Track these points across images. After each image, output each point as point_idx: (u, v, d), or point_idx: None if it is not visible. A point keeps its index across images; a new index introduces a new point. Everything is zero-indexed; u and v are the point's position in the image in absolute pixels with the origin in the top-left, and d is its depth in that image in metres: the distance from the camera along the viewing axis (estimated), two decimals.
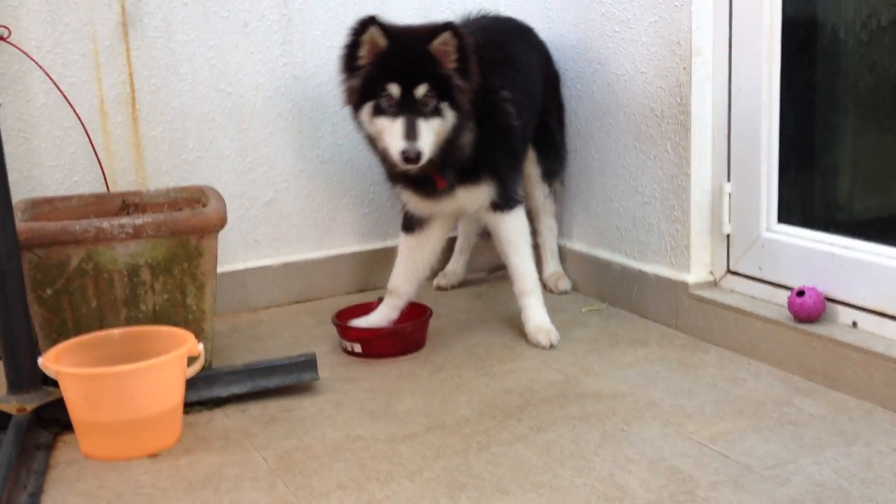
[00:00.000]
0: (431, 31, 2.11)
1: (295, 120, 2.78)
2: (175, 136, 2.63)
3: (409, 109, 2.09)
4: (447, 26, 2.11)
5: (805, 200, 2.34)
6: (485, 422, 1.92)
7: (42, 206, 2.32)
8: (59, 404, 1.89)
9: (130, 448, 1.83)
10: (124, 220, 2.06)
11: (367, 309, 2.45)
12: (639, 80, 2.47)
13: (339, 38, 2.74)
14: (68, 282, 2.05)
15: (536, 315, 2.38)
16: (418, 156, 2.07)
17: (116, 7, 2.51)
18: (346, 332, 2.36)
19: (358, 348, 2.32)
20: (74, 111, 2.49)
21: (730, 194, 2.33)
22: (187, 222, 2.11)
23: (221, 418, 2.00)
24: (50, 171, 2.51)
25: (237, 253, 2.75)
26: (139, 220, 2.07)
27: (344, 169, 2.87)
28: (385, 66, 2.12)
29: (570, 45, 2.71)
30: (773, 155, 2.25)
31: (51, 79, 2.45)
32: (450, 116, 2.15)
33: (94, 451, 1.84)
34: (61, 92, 2.47)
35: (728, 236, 2.36)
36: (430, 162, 2.16)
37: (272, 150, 2.76)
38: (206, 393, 2.05)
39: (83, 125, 2.51)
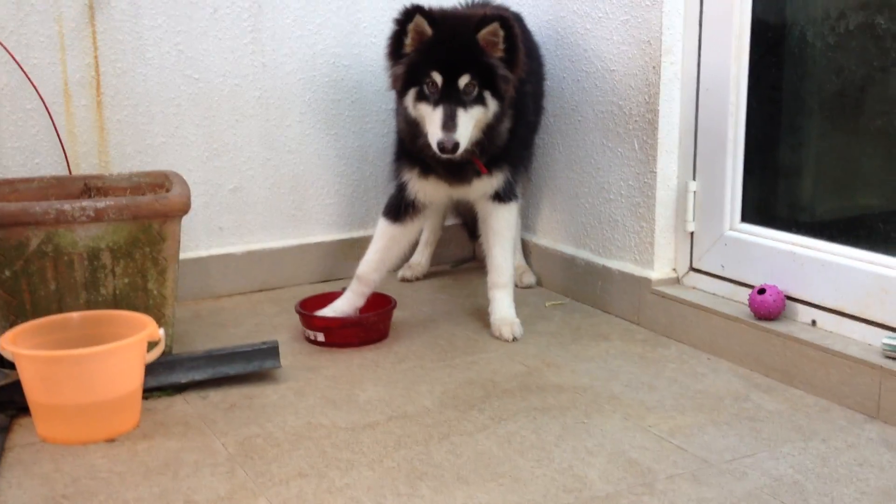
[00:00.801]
0: (479, 20, 2.13)
1: (262, 108, 2.77)
2: (140, 121, 2.61)
3: (450, 99, 2.11)
4: (496, 17, 2.12)
5: (768, 200, 2.36)
6: (446, 412, 1.92)
7: (2, 188, 2.28)
8: (16, 387, 1.87)
9: (88, 432, 1.81)
10: (85, 203, 2.03)
11: (330, 298, 2.44)
12: (608, 78, 2.48)
13: (309, 28, 2.78)
14: (27, 263, 2.02)
15: (504, 308, 2.38)
16: (455, 146, 2.09)
17: None
18: (309, 322, 2.34)
19: (321, 337, 2.31)
20: (38, 93, 2.46)
21: (695, 193, 2.35)
22: (150, 206, 2.09)
23: (181, 404, 1.99)
24: (11, 153, 2.47)
25: (200, 239, 2.73)
26: (101, 203, 2.04)
27: (311, 159, 2.86)
28: (429, 55, 2.14)
29: (540, 42, 2.71)
30: (738, 155, 2.27)
31: (14, 59, 2.42)
32: (492, 105, 2.17)
33: (51, 435, 1.81)
34: (25, 73, 2.44)
35: (692, 234, 2.38)
36: (473, 148, 2.19)
37: (238, 138, 2.75)
38: (165, 378, 2.03)
39: (46, 107, 2.47)
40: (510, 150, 2.34)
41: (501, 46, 2.14)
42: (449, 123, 2.09)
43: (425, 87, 2.14)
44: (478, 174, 2.31)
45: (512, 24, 2.14)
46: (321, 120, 2.86)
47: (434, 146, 2.11)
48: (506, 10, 2.46)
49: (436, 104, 2.12)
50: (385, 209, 2.45)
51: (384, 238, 2.42)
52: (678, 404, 1.94)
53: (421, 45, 2.16)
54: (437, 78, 2.12)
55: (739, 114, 2.25)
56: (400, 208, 2.39)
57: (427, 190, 2.36)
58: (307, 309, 2.38)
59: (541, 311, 2.59)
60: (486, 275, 2.44)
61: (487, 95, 2.15)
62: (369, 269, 2.41)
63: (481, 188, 2.35)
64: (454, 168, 2.28)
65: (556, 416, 1.90)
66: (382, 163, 2.93)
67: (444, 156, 2.12)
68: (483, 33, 2.12)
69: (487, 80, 2.14)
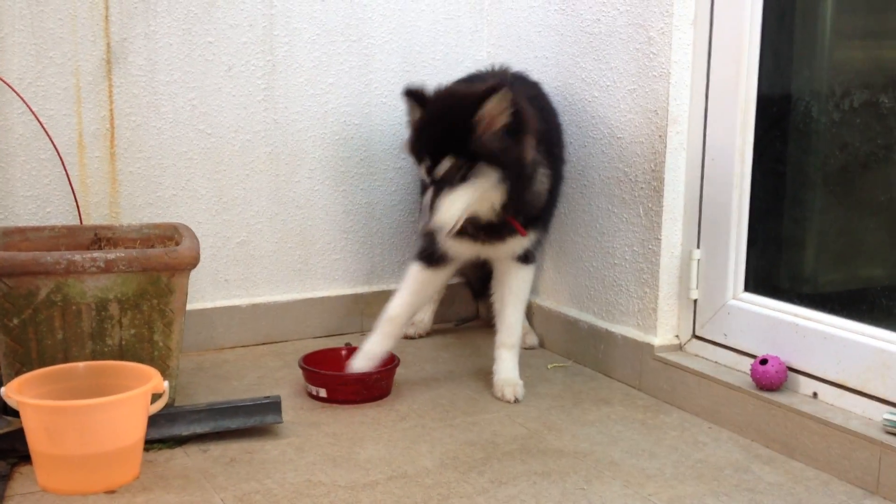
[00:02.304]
0: (474, 99, 2.09)
1: (273, 164, 2.80)
2: (152, 173, 2.64)
3: (437, 181, 2.11)
4: (497, 87, 2.08)
5: (771, 271, 2.38)
6: (446, 473, 1.92)
7: (13, 236, 2.31)
8: (18, 435, 1.87)
9: (89, 483, 1.81)
10: (96, 254, 2.05)
11: (334, 353, 2.45)
12: (615, 145, 2.52)
13: (321, 87, 2.82)
14: (35, 312, 2.03)
15: (508, 369, 2.39)
16: (439, 229, 2.13)
17: (101, 44, 2.53)
18: (311, 377, 2.35)
19: (323, 393, 2.32)
20: (53, 143, 2.49)
21: (699, 261, 2.37)
22: (160, 259, 2.11)
23: (181, 457, 1.99)
24: (23, 202, 2.50)
25: (206, 291, 2.75)
26: (111, 254, 2.07)
27: (318, 214, 2.89)
28: (419, 136, 2.18)
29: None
30: (742, 225, 2.29)
31: (31, 110, 2.46)
32: (490, 177, 2.12)
33: (52, 485, 1.81)
34: (41, 124, 2.47)
35: (695, 301, 2.39)
36: (506, 210, 2.20)
37: (248, 192, 2.78)
38: (167, 431, 2.04)
39: (60, 157, 2.51)
40: (546, 212, 2.39)
41: (507, 115, 2.10)
42: (431, 207, 2.10)
43: (422, 166, 2.16)
44: (513, 232, 2.30)
45: (508, 91, 2.10)
46: (330, 176, 2.89)
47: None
48: (512, 77, 2.52)
49: (426, 186, 2.15)
50: (418, 254, 2.45)
51: (416, 281, 2.43)
52: (678, 473, 1.94)
53: (414, 126, 2.20)
54: (425, 161, 2.14)
55: (744, 184, 2.27)
56: (434, 254, 2.40)
57: (459, 246, 2.35)
58: (310, 364, 2.39)
59: (543, 372, 2.59)
60: (489, 334, 2.46)
61: (482, 169, 2.11)
62: (401, 311, 2.42)
63: (513, 247, 2.36)
64: (486, 227, 2.27)
65: (556, 480, 1.90)
66: (389, 220, 2.97)
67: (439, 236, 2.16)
68: (484, 112, 2.08)
69: (482, 155, 2.10)
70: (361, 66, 2.89)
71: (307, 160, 2.85)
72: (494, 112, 2.09)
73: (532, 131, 2.18)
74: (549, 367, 2.64)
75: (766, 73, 2.25)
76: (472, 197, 2.13)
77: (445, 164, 2.10)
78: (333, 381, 2.34)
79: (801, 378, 2.10)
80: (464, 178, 2.11)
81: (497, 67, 2.64)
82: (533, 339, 2.82)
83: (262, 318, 2.83)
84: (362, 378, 2.36)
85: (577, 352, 2.68)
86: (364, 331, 2.93)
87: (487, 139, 2.10)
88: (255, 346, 2.81)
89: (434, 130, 2.15)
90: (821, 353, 2.07)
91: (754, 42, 2.23)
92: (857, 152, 2.20)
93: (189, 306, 2.40)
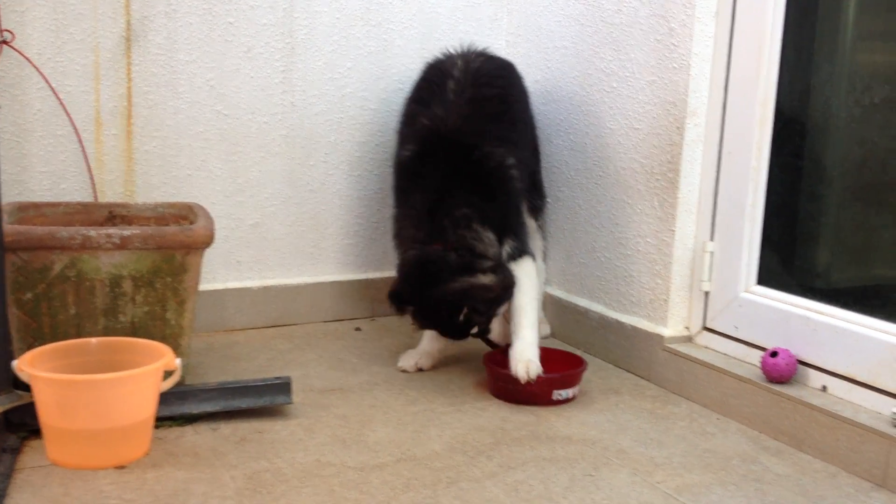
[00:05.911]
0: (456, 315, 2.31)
1: (288, 147, 2.81)
2: (167, 153, 2.65)
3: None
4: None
5: (785, 265, 2.37)
6: (455, 457, 1.93)
7: (28, 211, 2.32)
8: (29, 408, 1.88)
9: (98, 457, 1.82)
10: (112, 231, 2.06)
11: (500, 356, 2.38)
12: (632, 136, 2.51)
13: (339, 71, 2.83)
14: (49, 287, 2.04)
15: (523, 347, 2.30)
16: None
17: (122, 21, 2.54)
18: (568, 379, 2.29)
19: (572, 392, 2.29)
20: (70, 120, 2.50)
21: (712, 253, 2.37)
22: (174, 237, 2.12)
23: (191, 435, 2.00)
24: (39, 177, 2.51)
25: (218, 272, 2.76)
26: (126, 231, 2.08)
27: (332, 199, 2.89)
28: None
29: (566, 97, 2.75)
30: (757, 218, 2.29)
31: (50, 86, 2.47)
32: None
33: (62, 458, 1.82)
34: (59, 100, 2.48)
35: (707, 294, 2.39)
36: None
37: (262, 175, 2.78)
38: (177, 409, 2.05)
39: (77, 134, 2.52)
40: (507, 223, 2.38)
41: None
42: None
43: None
44: None
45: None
46: (345, 161, 2.90)
47: None
48: (475, 57, 2.55)
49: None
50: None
51: None
52: (686, 462, 1.95)
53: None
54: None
55: (760, 178, 2.27)
56: None
57: None
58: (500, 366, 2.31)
59: None
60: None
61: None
62: None
63: None
64: None
65: (565, 467, 1.90)
66: None
67: None
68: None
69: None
70: (380, 50, 2.89)
71: (322, 144, 2.86)
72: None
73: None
74: None
75: (786, 67, 2.24)
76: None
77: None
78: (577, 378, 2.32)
79: (811, 371, 2.10)
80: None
81: (463, 48, 2.60)
82: (546, 329, 2.81)
83: (273, 300, 2.84)
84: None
85: (587, 342, 2.68)
86: (374, 316, 2.94)
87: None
88: (265, 328, 2.82)
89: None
90: (831, 347, 2.06)
91: (776, 36, 2.22)
92: (875, 148, 2.19)
93: (201, 287, 2.41)
